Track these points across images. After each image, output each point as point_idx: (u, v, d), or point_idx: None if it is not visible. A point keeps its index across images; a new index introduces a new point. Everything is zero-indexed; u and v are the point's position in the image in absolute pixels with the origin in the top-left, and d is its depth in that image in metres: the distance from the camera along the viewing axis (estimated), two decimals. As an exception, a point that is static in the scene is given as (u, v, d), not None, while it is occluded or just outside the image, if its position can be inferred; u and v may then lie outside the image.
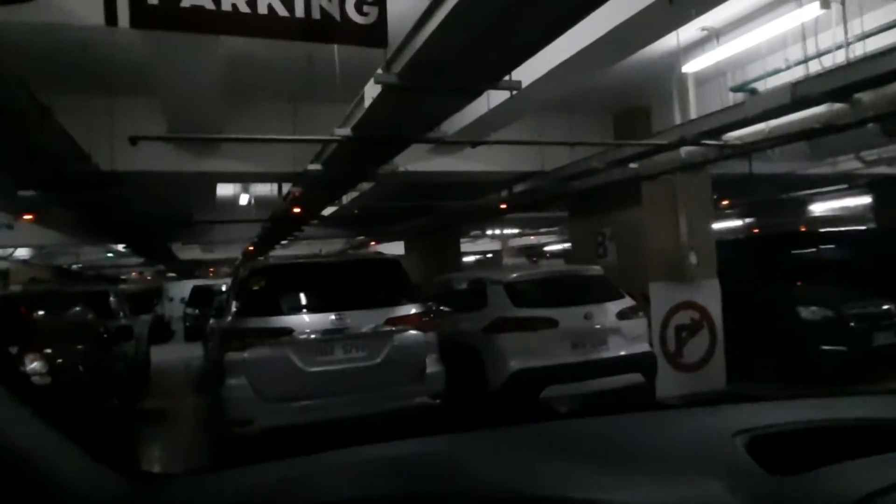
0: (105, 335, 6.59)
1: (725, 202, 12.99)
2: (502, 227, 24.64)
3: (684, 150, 5.88)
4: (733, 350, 7.80)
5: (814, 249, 9.96)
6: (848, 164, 9.35)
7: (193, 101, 5.08)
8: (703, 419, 1.41)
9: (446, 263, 13.59)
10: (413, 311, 5.44)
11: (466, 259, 34.68)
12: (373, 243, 18.99)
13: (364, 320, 5.17)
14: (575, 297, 6.20)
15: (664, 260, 7.65)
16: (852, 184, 11.09)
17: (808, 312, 7.40)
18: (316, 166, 5.82)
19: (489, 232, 26.53)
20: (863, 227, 13.85)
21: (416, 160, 7.29)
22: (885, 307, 7.42)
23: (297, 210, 8.30)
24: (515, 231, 27.23)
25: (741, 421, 1.20)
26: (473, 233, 24.64)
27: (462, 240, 28.19)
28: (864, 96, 4.01)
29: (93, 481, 0.86)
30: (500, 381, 5.88)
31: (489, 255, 34.29)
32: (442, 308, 7.39)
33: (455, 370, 5.96)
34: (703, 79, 6.28)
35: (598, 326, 5.99)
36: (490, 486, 1.02)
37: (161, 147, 5.97)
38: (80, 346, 5.41)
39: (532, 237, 28.21)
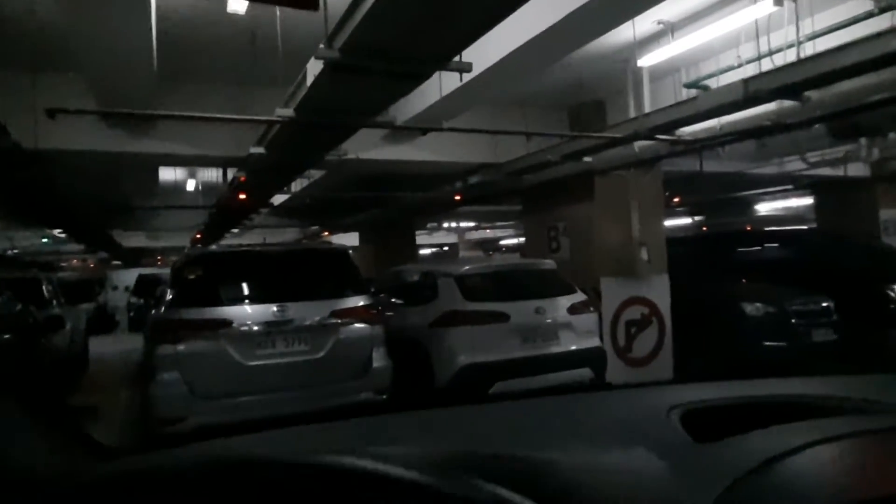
0: (33, 325, 6.16)
1: (677, 199, 13.22)
2: (459, 220, 24.60)
3: (637, 145, 5.87)
4: (680, 345, 7.90)
5: (759, 248, 10.22)
6: (793, 164, 9.58)
7: (124, 78, 4.73)
8: (644, 397, 1.51)
9: (401, 255, 13.41)
10: (360, 303, 5.25)
11: (423, 252, 34.82)
12: (325, 234, 18.60)
13: (308, 312, 4.94)
14: (526, 291, 6.12)
15: (616, 255, 7.68)
16: (797, 185, 11.41)
17: (752, 309, 7.54)
18: (259, 149, 5.53)
19: (445, 225, 26.44)
20: (805, 227, 14.36)
21: (366, 147, 7.08)
22: (824, 304, 7.62)
23: (242, 197, 7.96)
24: (472, 224, 27.24)
25: (677, 398, 1.29)
26: (430, 225, 24.47)
27: (418, 232, 28.18)
28: (814, 94, 4.03)
29: (59, 457, 0.86)
30: (448, 376, 5.75)
31: (446, 248, 34.32)
32: (392, 301, 7.22)
33: (403, 364, 5.80)
34: (657, 74, 6.28)
35: (549, 321, 5.93)
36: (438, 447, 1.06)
37: (91, 125, 5.58)
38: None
39: (488, 231, 28.25)
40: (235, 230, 15.73)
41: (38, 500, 0.74)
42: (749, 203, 15.81)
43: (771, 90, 3.84)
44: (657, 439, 1.07)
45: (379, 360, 5.21)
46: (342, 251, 5.69)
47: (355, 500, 0.72)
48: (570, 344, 5.97)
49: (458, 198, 9.07)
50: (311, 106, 4.12)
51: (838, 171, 9.97)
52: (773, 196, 13.88)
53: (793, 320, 7.41)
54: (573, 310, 6.09)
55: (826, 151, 8.86)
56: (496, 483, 0.72)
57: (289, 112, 4.30)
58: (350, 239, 22.04)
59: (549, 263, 6.60)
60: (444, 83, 4.46)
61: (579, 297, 6.29)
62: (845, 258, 9.03)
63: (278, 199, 12.19)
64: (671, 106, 4.78)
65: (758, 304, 7.53)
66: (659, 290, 7.94)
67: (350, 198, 11.49)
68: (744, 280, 8.75)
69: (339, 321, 5.03)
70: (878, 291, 8.28)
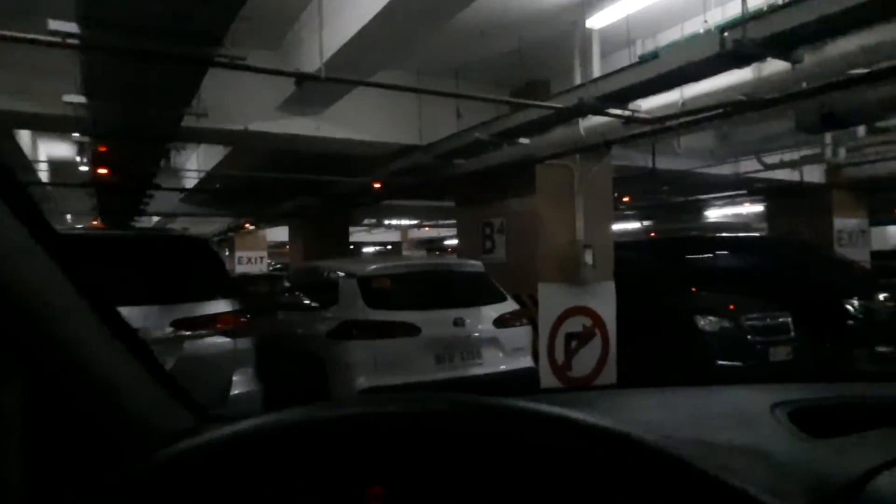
0: None
1: (627, 199, 12.42)
2: (401, 217, 23.38)
3: (584, 126, 4.85)
4: (627, 362, 6.98)
5: (713, 255, 9.50)
6: (748, 165, 8.86)
7: None
8: (739, 395, 1.42)
9: (334, 253, 12.18)
10: (221, 309, 4.02)
11: (367, 250, 33.69)
12: (247, 226, 17.09)
13: (145, 320, 3.69)
14: (446, 298, 5.03)
15: (557, 258, 6.69)
16: (750, 189, 10.76)
17: (705, 322, 6.68)
18: (76, 98, 4.17)
19: (387, 222, 25.20)
20: (760, 234, 13.86)
21: (265, 119, 5.84)
22: (782, 319, 6.85)
23: (103, 171, 6.53)
24: (415, 222, 26.07)
25: (776, 397, 1.23)
26: (367, 221, 23.17)
27: (356, 229, 26.87)
28: (807, 58, 3.07)
29: (166, 415, 0.80)
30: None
31: (389, 247, 33.20)
32: (295, 303, 6.05)
33: (294, 385, 4.68)
34: (610, 46, 5.28)
35: (470, 335, 4.85)
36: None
37: None
38: None
39: (427, 229, 27.13)
40: (141, 217, 14.01)
41: (154, 457, 0.64)
42: (700, 208, 15.23)
43: (757, 42, 2.86)
44: (768, 435, 1.03)
45: (242, 384, 4.00)
46: (199, 242, 4.45)
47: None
48: (496, 364, 4.91)
49: (377, 185, 7.87)
50: (103, 18, 2.90)
51: (794, 176, 9.33)
52: (726, 201, 13.27)
53: (749, 336, 6.60)
54: (502, 322, 5.03)
55: (785, 152, 8.12)
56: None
57: (69, 27, 3.02)
58: (280, 233, 20.59)
59: (475, 265, 5.52)
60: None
61: (510, 306, 5.24)
62: (802, 269, 8.36)
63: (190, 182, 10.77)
64: (625, 68, 3.75)
65: (711, 318, 6.67)
66: (604, 300, 7.01)
67: (269, 184, 10.15)
68: (696, 289, 7.97)
69: (187, 333, 3.79)
70: (836, 305, 7.62)
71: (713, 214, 16.11)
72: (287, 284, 7.50)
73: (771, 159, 8.52)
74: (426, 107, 6.33)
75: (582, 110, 3.95)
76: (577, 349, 6.84)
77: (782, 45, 2.90)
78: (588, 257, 6.59)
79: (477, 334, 4.86)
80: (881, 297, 7.54)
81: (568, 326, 6.77)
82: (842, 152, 7.48)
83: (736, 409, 1.22)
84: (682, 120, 4.18)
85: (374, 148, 6.86)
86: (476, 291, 5.17)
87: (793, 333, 6.78)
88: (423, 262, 5.95)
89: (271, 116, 5.74)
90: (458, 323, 4.79)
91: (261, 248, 21.18)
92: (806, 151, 8.26)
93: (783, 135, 7.11)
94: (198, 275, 4.08)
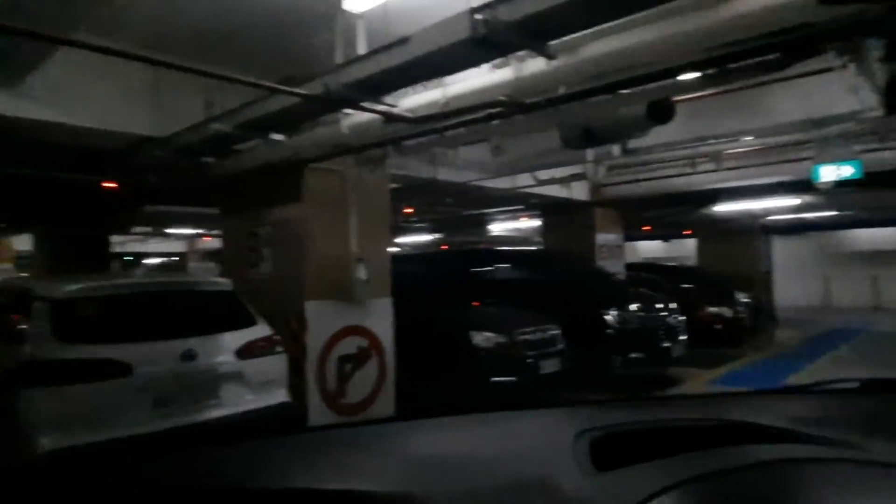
0: None
1: (410, 210, 12.27)
2: (183, 225, 20.87)
3: (346, 125, 4.26)
4: (407, 383, 6.56)
5: (494, 268, 9.66)
6: (525, 180, 9.15)
7: None
8: (560, 417, 1.46)
9: (89, 266, 10.01)
10: None
11: (147, 261, 30.00)
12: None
13: None
14: (172, 325, 4.05)
15: (329, 273, 6.02)
16: (527, 204, 11.27)
17: (480, 339, 6.54)
18: None
19: (170, 231, 22.37)
20: (535, 248, 14.74)
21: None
22: (552, 332, 7.01)
23: None
24: (201, 231, 23.56)
25: (595, 420, 1.27)
26: (140, 230, 20.31)
27: (129, 239, 23.48)
28: (564, 58, 2.82)
29: None
30: (25, 467, 3.38)
31: (175, 259, 29.92)
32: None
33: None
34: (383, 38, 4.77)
35: (203, 371, 3.93)
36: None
37: None
38: None
39: (209, 239, 24.79)
40: None
41: None
42: (485, 222, 15.79)
43: (507, 26, 2.51)
44: (561, 467, 1.05)
45: None
46: None
47: None
48: (238, 404, 4.06)
49: (110, 186, 6.49)
50: None
51: (565, 193, 9.90)
52: (509, 216, 13.87)
53: (522, 351, 6.61)
54: (248, 351, 4.20)
55: (557, 169, 8.50)
56: None
57: None
58: (24, 242, 17.08)
59: (218, 283, 4.62)
60: None
61: (261, 330, 4.43)
62: (571, 282, 8.82)
63: None
64: (373, 52, 3.23)
65: (487, 334, 6.56)
66: (381, 318, 6.51)
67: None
68: (478, 304, 7.92)
69: None
70: (598, 316, 8.11)
71: (497, 228, 16.86)
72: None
73: (544, 175, 8.89)
74: (168, 93, 5.26)
75: (330, 99, 3.35)
76: (351, 373, 6.23)
77: (533, 33, 2.61)
78: (362, 272, 6.03)
79: (213, 369, 3.96)
80: (633, 307, 8.19)
81: (341, 349, 6.13)
82: (601, 171, 8.00)
83: (540, 437, 1.23)
84: (449, 122, 3.81)
85: (105, 139, 5.54)
86: (216, 315, 4.27)
87: (561, 346, 6.97)
88: (144, 281, 4.83)
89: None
90: (188, 356, 3.85)
91: (4, 260, 17.48)
92: (574, 170, 8.75)
93: (554, 151, 7.30)
94: None
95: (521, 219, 14.00)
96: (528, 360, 6.59)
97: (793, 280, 19.15)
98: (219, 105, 4.83)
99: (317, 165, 5.76)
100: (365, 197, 6.25)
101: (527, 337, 6.70)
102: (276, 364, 4.41)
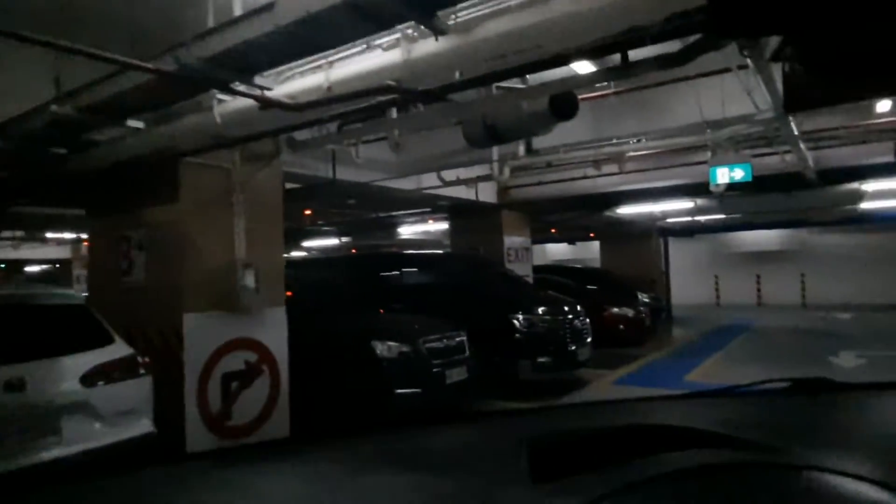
0: None
1: (308, 212, 11.63)
2: (62, 229, 18.89)
3: (218, 112, 3.72)
4: (303, 399, 6.03)
5: (400, 273, 9.28)
6: (430, 181, 8.85)
7: None
8: (509, 425, 1.47)
9: None
10: None
11: (28, 269, 27.49)
12: None
13: None
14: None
15: (211, 280, 5.39)
16: (434, 207, 10.98)
17: (383, 349, 6.13)
18: None
19: (52, 235, 20.20)
20: (443, 251, 14.47)
21: None
22: (459, 339, 6.73)
23: None
24: (85, 236, 21.46)
25: (542, 426, 1.31)
26: (7, 234, 18.18)
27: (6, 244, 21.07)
28: (456, 38, 2.48)
29: None
30: None
31: (57, 266, 27.29)
32: None
33: None
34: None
35: (36, 403, 3.26)
36: None
37: None
38: None
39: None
40: None
41: None
42: (394, 225, 15.37)
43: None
44: (497, 478, 1.04)
45: None
46: None
47: None
48: (85, 440, 3.41)
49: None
50: None
51: (472, 195, 9.70)
52: (417, 218, 13.52)
53: (427, 361, 6.27)
54: (97, 377, 3.55)
55: (462, 169, 8.25)
56: None
57: None
58: None
59: (64, 295, 3.93)
60: None
61: (117, 351, 3.78)
62: (479, 286, 8.61)
63: None
64: (235, 19, 2.75)
65: (390, 343, 6.16)
66: (273, 329, 5.93)
67: None
68: (381, 311, 7.50)
69: None
70: (505, 320, 7.94)
71: (407, 231, 16.50)
72: None
73: (450, 176, 8.62)
74: (5, 73, 4.46)
75: (186, 75, 2.83)
76: (238, 391, 5.62)
77: (419, 1, 2.26)
78: (249, 279, 5.45)
79: (49, 400, 3.30)
80: (540, 310, 8.08)
81: (226, 365, 5.51)
82: (507, 172, 7.84)
83: (485, 447, 1.22)
84: (335, 111, 3.39)
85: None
86: (58, 334, 3.60)
87: (467, 353, 6.71)
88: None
89: None
90: (14, 386, 3.17)
91: None
92: (481, 171, 8.54)
93: (459, 151, 7.02)
94: None
95: (430, 221, 13.71)
96: (435, 370, 6.26)
97: (687, 280, 20.19)
98: (68, 85, 4.12)
99: (195, 160, 5.14)
100: (254, 197, 5.68)
101: (433, 345, 6.37)
102: (137, 389, 3.78)
